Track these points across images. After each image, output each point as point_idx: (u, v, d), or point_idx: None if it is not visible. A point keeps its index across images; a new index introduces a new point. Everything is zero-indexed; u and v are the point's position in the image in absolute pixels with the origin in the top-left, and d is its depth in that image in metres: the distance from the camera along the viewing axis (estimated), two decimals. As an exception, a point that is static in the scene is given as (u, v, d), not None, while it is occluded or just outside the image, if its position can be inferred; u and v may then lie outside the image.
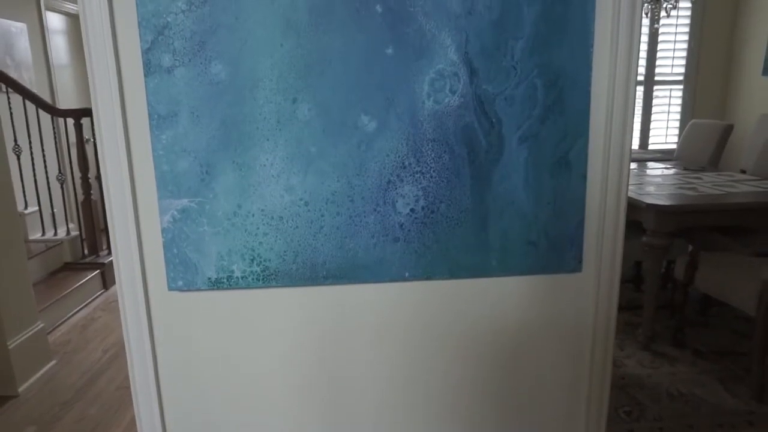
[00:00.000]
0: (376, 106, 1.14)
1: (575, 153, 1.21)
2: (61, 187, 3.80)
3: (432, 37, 1.12)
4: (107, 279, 3.70)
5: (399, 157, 1.17)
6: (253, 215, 1.18)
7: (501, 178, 1.21)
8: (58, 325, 3.11)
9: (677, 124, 5.08)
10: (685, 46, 4.93)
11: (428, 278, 1.26)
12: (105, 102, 1.11)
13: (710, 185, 2.89)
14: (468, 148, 1.18)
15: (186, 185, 1.16)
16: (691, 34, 4.90)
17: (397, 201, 1.20)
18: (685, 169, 3.43)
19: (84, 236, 3.81)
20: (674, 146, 4.86)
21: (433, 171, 1.19)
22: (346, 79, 1.13)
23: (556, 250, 1.27)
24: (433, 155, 1.18)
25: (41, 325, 2.59)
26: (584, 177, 1.23)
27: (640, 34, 1.18)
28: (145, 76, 1.10)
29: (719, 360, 2.61)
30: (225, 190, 1.16)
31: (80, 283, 3.40)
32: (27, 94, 3.47)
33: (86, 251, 3.83)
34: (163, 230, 1.18)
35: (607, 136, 1.22)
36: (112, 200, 1.16)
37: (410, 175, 1.19)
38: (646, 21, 3.80)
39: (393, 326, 1.30)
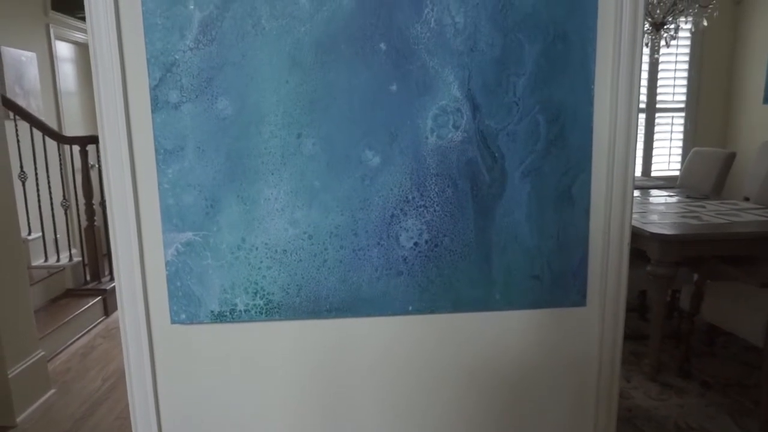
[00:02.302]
0: (380, 141, 1.15)
1: (578, 187, 1.22)
2: (65, 213, 3.82)
3: (435, 74, 1.14)
4: (108, 305, 3.69)
5: (403, 191, 1.18)
6: (257, 249, 1.18)
7: (504, 212, 1.21)
8: (58, 353, 3.09)
9: (679, 150, 5.10)
10: (685, 74, 4.98)
11: (432, 312, 1.25)
12: (113, 138, 1.12)
13: (714, 214, 2.89)
14: (471, 182, 1.19)
15: (191, 219, 1.16)
16: (691, 62, 4.95)
17: (400, 235, 1.20)
18: (688, 197, 3.43)
19: (86, 262, 3.81)
20: (677, 173, 4.87)
21: (437, 205, 1.19)
22: (350, 115, 1.14)
23: (559, 284, 1.26)
24: (436, 189, 1.19)
25: (41, 354, 2.57)
26: (587, 211, 1.23)
27: (640, 70, 1.20)
28: (153, 111, 1.12)
29: (727, 392, 2.57)
30: (229, 223, 1.17)
31: (81, 309, 3.39)
32: (34, 122, 3.52)
33: (88, 277, 3.82)
34: (167, 263, 1.18)
35: (609, 170, 1.22)
36: (117, 235, 1.16)
37: (414, 209, 1.19)
38: (646, 50, 3.85)
39: (396, 360, 1.28)
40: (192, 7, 1.08)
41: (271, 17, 1.10)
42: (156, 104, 1.12)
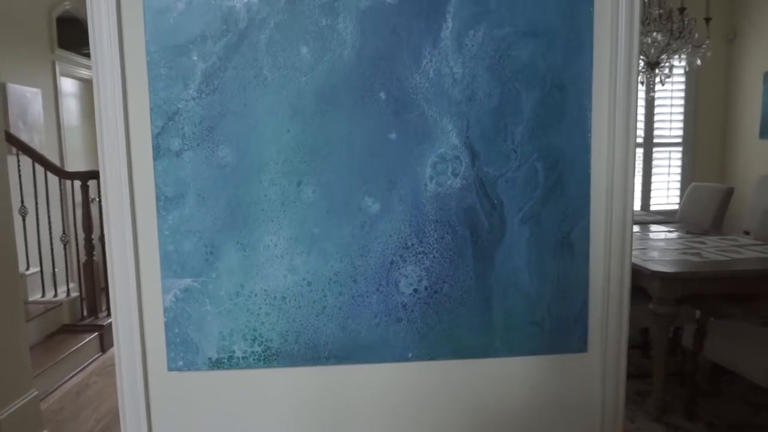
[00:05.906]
0: (379, 188, 1.16)
1: (577, 233, 1.22)
2: (64, 248, 3.81)
3: (434, 123, 1.15)
4: (105, 341, 3.64)
5: (402, 237, 1.18)
6: (256, 295, 1.18)
7: (504, 258, 1.21)
8: (52, 391, 3.04)
9: (678, 185, 5.13)
10: (681, 109, 5.05)
11: (431, 359, 1.24)
12: (114, 186, 1.13)
13: (715, 250, 2.88)
14: (470, 229, 1.19)
15: (190, 265, 1.16)
16: (687, 99, 5.03)
17: (399, 281, 1.20)
18: (688, 232, 3.43)
19: (84, 296, 3.78)
20: (675, 207, 4.88)
21: (436, 251, 1.19)
22: (350, 163, 1.15)
23: (560, 330, 1.25)
24: (435, 236, 1.19)
25: (35, 393, 2.53)
26: (586, 257, 1.23)
27: (636, 115, 1.21)
28: (154, 159, 1.13)
29: (734, 433, 2.52)
30: (228, 270, 1.17)
31: (77, 346, 3.34)
32: (36, 157, 3.54)
33: (85, 312, 3.79)
34: (166, 310, 1.17)
35: (608, 216, 1.22)
36: (116, 283, 1.16)
37: (413, 256, 1.19)
38: (641, 88, 3.91)
39: (395, 407, 1.26)
40: (195, 57, 1.11)
41: (272, 68, 1.12)
42: (158, 152, 1.13)
